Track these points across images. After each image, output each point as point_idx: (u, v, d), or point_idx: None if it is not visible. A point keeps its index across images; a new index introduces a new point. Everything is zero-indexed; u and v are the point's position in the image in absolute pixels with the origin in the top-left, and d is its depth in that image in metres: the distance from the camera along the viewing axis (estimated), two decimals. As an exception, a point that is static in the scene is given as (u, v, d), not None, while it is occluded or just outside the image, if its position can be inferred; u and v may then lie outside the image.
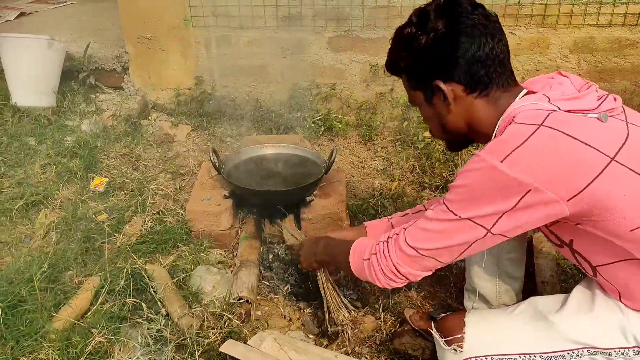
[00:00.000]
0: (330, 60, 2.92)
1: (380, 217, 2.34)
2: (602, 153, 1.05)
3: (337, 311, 1.70)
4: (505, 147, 1.06)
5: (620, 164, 1.06)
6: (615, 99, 1.19)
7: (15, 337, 1.61)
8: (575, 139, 1.05)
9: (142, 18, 2.92)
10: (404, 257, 1.25)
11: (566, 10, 2.69)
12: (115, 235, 2.09)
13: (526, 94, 1.20)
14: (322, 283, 1.71)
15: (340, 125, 2.90)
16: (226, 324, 1.74)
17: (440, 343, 1.31)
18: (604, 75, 2.80)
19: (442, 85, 1.19)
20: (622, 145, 1.07)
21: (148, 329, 1.69)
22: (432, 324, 1.41)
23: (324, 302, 1.72)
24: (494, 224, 1.11)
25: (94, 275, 1.90)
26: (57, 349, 1.57)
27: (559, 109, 1.11)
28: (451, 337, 1.30)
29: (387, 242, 1.30)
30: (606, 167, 1.04)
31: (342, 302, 1.72)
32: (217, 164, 2.20)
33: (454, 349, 1.29)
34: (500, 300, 1.65)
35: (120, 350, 1.63)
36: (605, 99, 1.17)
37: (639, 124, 1.15)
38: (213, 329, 1.72)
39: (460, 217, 1.13)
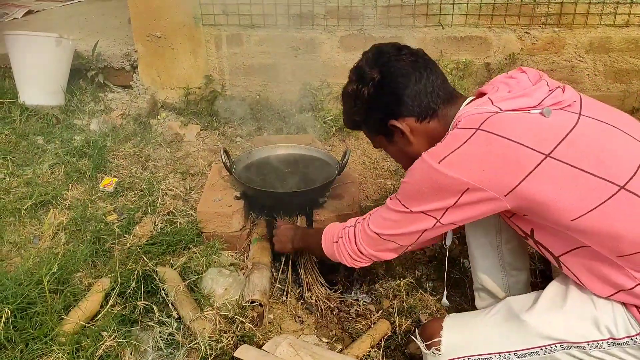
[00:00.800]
0: (342, 60, 2.88)
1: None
2: (536, 151, 1.11)
3: (313, 287, 1.90)
4: (443, 150, 1.18)
5: (556, 159, 1.10)
6: (563, 90, 1.23)
7: (25, 340, 1.57)
8: (509, 139, 1.12)
9: (152, 16, 2.89)
10: (368, 240, 1.42)
11: (582, 9, 2.64)
12: (125, 236, 2.06)
13: (474, 98, 1.30)
14: (299, 262, 1.95)
15: (351, 126, 2.85)
16: (239, 328, 1.70)
17: (421, 347, 1.41)
18: (620, 77, 2.75)
19: (397, 124, 1.32)
20: (563, 139, 1.12)
21: (160, 332, 1.66)
22: (416, 329, 1.52)
23: (302, 278, 1.92)
24: (442, 216, 1.24)
25: (103, 277, 1.86)
26: (67, 353, 1.54)
27: (501, 109, 1.19)
28: (430, 341, 1.38)
29: (355, 227, 1.47)
30: (539, 164, 1.10)
31: (317, 279, 1.92)
32: (228, 165, 2.17)
33: (433, 352, 1.37)
34: (510, 294, 1.62)
35: (131, 354, 1.59)
36: (553, 92, 1.22)
37: (594, 115, 1.18)
38: (225, 332, 1.69)
39: (411, 210, 1.27)
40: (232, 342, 1.65)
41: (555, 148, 1.11)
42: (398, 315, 1.84)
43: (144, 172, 2.53)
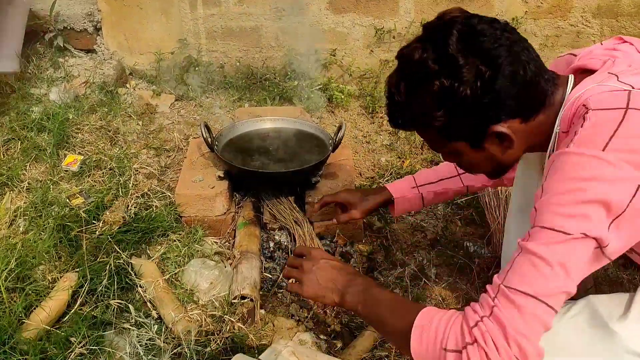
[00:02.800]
0: (331, 23, 2.63)
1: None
2: None
3: None
4: (595, 138, 0.90)
5: None
6: None
7: (-22, 351, 1.35)
8: None
9: (117, -29, 2.57)
10: (529, 320, 0.88)
11: (591, -30, 2.45)
12: (94, 223, 1.82)
13: (581, 73, 1.06)
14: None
15: (342, 96, 2.63)
16: (228, 328, 1.51)
17: None
18: (627, 43, 2.59)
19: (501, 129, 1.01)
20: None
21: (138, 336, 1.45)
22: None
23: None
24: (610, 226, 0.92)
25: (70, 272, 1.63)
26: (30, 364, 1.33)
27: (633, 87, 0.95)
28: None
29: (493, 316, 0.90)
30: None
31: None
32: (209, 141, 1.93)
33: None
34: None
35: (105, 362, 1.39)
36: None
37: None
38: (213, 334, 1.49)
39: (571, 234, 0.89)
40: (221, 345, 1.46)
41: None
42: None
43: (113, 149, 2.26)
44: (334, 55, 2.70)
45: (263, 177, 1.88)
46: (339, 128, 1.96)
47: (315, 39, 2.67)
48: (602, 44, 1.13)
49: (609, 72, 1.01)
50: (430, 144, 1.14)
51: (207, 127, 1.95)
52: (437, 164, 2.35)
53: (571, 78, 1.06)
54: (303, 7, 2.60)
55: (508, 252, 1.47)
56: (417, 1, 2.53)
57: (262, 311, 1.67)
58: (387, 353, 1.57)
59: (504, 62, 0.97)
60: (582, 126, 0.93)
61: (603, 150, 0.88)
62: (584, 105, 0.96)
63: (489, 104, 0.99)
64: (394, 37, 2.60)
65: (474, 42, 0.97)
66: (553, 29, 2.55)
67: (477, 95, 0.97)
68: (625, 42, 1.11)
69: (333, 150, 1.96)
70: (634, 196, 0.88)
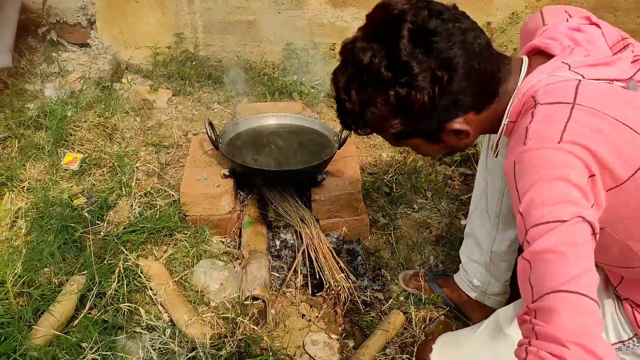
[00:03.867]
0: (330, 17, 2.61)
1: (395, 195, 2.14)
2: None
3: (335, 274, 1.70)
4: (552, 132, 0.88)
5: None
6: None
7: (-12, 359, 1.32)
8: (615, 119, 0.88)
9: (111, -37, 2.51)
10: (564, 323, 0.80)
11: (590, -36, 2.46)
12: (98, 224, 1.79)
13: (537, 57, 1.03)
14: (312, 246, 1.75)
15: (342, 91, 2.61)
16: (241, 331, 1.50)
17: None
18: (624, 38, 2.60)
19: (457, 126, 1.00)
20: None
21: (150, 340, 1.43)
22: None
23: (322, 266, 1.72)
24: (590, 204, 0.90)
25: (76, 274, 1.60)
26: (42, 371, 1.30)
27: (583, 77, 0.94)
28: None
29: (534, 342, 0.81)
30: None
31: (337, 265, 1.73)
32: (214, 139, 1.91)
33: None
34: (493, 251, 1.52)
35: (118, 368, 1.37)
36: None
37: None
38: (226, 337, 1.48)
39: (563, 219, 0.85)
40: (234, 348, 1.45)
41: None
42: (413, 305, 1.68)
43: (112, 146, 2.22)
44: (333, 50, 2.68)
45: (271, 175, 1.87)
46: (345, 125, 1.94)
47: (315, 33, 2.65)
48: (568, 20, 1.09)
49: (562, 62, 0.98)
50: (394, 144, 1.11)
51: (211, 124, 1.91)
52: (438, 159, 2.36)
53: (525, 63, 1.03)
54: (302, 1, 2.57)
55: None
56: (418, -5, 2.52)
57: (272, 311, 1.66)
58: (399, 353, 1.57)
59: (459, 62, 0.93)
60: (531, 121, 0.92)
61: (559, 143, 0.87)
62: (532, 97, 0.95)
63: (446, 105, 0.97)
64: (394, 32, 2.58)
65: (427, 44, 0.92)
66: (552, 23, 2.56)
67: (434, 100, 0.95)
68: (592, 23, 1.08)
69: (339, 147, 1.94)
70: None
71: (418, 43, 0.92)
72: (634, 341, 1.10)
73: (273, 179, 1.94)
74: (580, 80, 0.93)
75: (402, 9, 0.94)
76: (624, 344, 1.12)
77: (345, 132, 1.92)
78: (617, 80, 0.96)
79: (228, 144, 2.00)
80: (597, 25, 1.06)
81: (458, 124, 1.00)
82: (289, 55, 2.68)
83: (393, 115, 0.98)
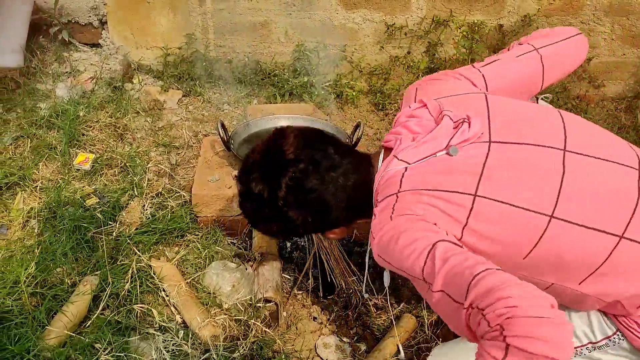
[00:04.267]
0: (342, 19, 2.60)
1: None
2: (464, 193, 1.04)
3: (346, 277, 1.72)
4: (386, 216, 1.08)
5: (485, 197, 1.03)
6: (469, 124, 1.12)
7: (2, 359, 1.32)
8: (436, 190, 1.06)
9: (124, -37, 2.51)
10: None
11: (603, -33, 2.44)
12: (110, 224, 1.79)
13: (386, 151, 1.21)
14: (323, 249, 1.74)
15: (353, 92, 2.61)
16: (253, 333, 1.50)
17: None
18: (637, 42, 2.59)
19: (332, 236, 1.29)
20: (480, 178, 1.05)
21: (164, 341, 1.43)
22: None
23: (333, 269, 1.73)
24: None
25: (89, 275, 1.61)
26: (56, 372, 1.31)
27: (409, 163, 1.11)
28: None
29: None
30: (472, 206, 1.03)
31: (348, 268, 1.74)
32: (226, 140, 1.91)
33: None
34: None
35: (132, 369, 1.37)
36: (459, 129, 1.12)
37: (504, 139, 1.10)
38: (239, 339, 1.48)
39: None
40: (247, 350, 1.45)
41: (477, 186, 1.04)
42: (425, 309, 1.68)
43: (125, 146, 2.22)
44: (344, 51, 2.67)
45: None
46: (356, 127, 1.94)
47: (325, 35, 2.64)
48: (409, 110, 1.23)
49: (393, 155, 1.14)
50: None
51: (223, 126, 1.92)
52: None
53: (382, 153, 1.21)
54: (313, 2, 2.56)
55: None
56: (429, -3, 2.51)
57: (284, 314, 1.66)
58: (411, 356, 1.57)
59: (332, 203, 1.17)
60: (372, 220, 1.12)
61: (391, 220, 1.05)
62: (377, 196, 1.14)
63: (323, 228, 1.26)
64: (405, 34, 2.58)
65: (303, 198, 1.15)
66: (564, 25, 2.54)
67: (312, 230, 1.30)
68: (423, 105, 1.21)
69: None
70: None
71: (295, 196, 1.14)
72: (618, 335, 1.12)
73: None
74: (406, 168, 1.10)
75: (287, 160, 1.15)
76: (610, 340, 1.13)
77: (357, 134, 1.92)
78: (439, 151, 1.10)
79: (239, 146, 2.00)
80: (425, 106, 1.20)
81: (333, 235, 1.28)
82: (300, 56, 2.68)
83: (279, 236, 1.46)
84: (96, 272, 1.61)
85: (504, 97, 1.23)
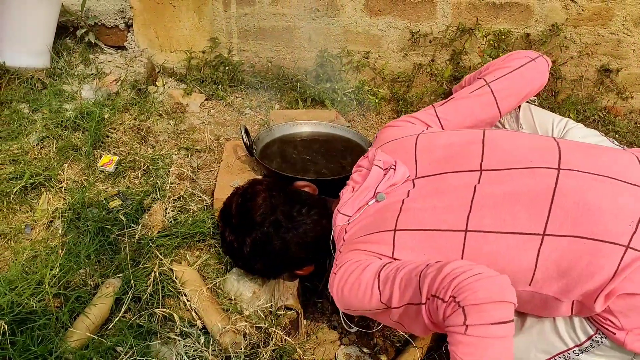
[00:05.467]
0: (366, 25, 2.59)
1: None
2: (384, 231, 1.20)
3: None
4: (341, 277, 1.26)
5: (404, 230, 1.17)
6: (395, 169, 1.28)
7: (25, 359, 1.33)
8: (364, 235, 1.25)
9: (151, -33, 2.53)
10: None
11: (634, -23, 2.40)
12: (132, 227, 1.80)
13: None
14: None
15: (375, 100, 2.60)
16: (274, 341, 1.49)
17: None
18: (668, 53, 2.54)
19: (300, 272, 1.58)
20: (399, 213, 1.19)
21: (185, 346, 1.43)
22: None
23: None
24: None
25: (111, 277, 1.61)
26: (78, 375, 1.31)
27: (348, 216, 1.32)
28: None
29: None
30: (394, 241, 1.17)
31: None
32: (249, 145, 1.91)
33: None
34: None
35: (153, 374, 1.37)
36: (387, 174, 1.29)
37: (427, 172, 1.25)
38: (259, 347, 1.47)
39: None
40: (267, 358, 1.44)
41: (397, 221, 1.18)
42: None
43: (148, 149, 2.24)
44: (367, 58, 2.66)
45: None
46: (380, 135, 1.92)
47: (349, 41, 2.63)
48: (366, 156, 1.42)
49: (337, 209, 1.36)
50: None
51: (246, 131, 1.92)
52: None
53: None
54: (338, 9, 2.56)
55: None
56: (455, 5, 2.48)
57: (305, 322, 1.65)
58: (432, 369, 1.55)
59: (293, 255, 1.46)
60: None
61: (336, 275, 1.26)
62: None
63: (290, 270, 1.55)
64: (430, 42, 2.55)
65: (266, 254, 1.44)
66: (593, 36, 2.50)
67: (277, 273, 1.58)
68: (366, 155, 1.41)
69: (374, 158, 1.92)
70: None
71: (256, 251, 1.45)
72: (599, 334, 1.13)
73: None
74: (348, 222, 1.30)
75: (254, 222, 1.42)
76: (593, 340, 1.14)
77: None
78: (370, 199, 1.29)
79: (262, 151, 2.00)
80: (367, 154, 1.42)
81: (301, 272, 1.56)
82: (323, 62, 2.67)
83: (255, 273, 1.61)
84: (118, 275, 1.61)
85: (448, 130, 1.42)
